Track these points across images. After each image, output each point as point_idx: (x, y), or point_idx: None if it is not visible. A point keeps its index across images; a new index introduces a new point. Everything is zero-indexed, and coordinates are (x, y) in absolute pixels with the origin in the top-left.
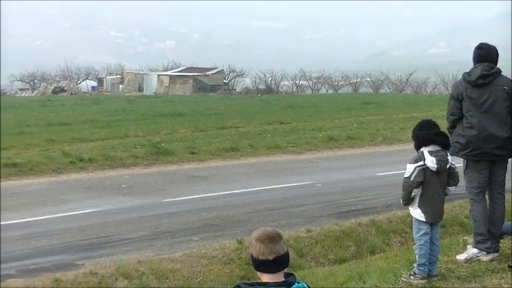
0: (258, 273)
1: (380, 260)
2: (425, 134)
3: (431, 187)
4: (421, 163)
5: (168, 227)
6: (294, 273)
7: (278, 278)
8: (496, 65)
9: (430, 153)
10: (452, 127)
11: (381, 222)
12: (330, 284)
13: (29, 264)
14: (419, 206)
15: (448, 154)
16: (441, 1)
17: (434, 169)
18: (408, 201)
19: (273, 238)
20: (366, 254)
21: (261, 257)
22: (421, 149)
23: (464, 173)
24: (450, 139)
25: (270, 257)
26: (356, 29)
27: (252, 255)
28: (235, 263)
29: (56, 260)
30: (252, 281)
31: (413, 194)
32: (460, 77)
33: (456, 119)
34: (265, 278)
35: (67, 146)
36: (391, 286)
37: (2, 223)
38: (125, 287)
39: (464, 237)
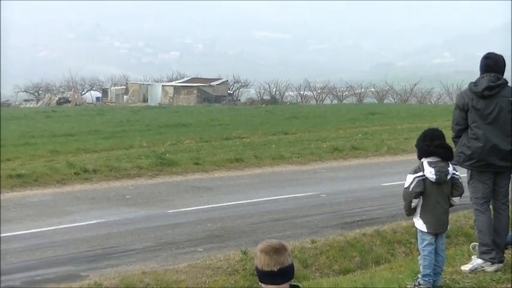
0: (262, 285)
1: (385, 271)
2: (426, 145)
3: (432, 198)
4: (420, 174)
5: (173, 238)
6: (299, 285)
7: None
8: (503, 74)
9: (430, 164)
10: (457, 137)
11: (386, 233)
12: None
13: (34, 275)
14: (421, 217)
15: (450, 165)
16: (446, 11)
17: (433, 180)
18: (410, 211)
19: (277, 250)
20: (370, 265)
21: (265, 268)
22: (422, 160)
23: (468, 183)
24: (455, 149)
25: (275, 268)
26: (361, 39)
27: (256, 267)
28: (239, 274)
29: (60, 271)
30: None
31: (413, 204)
32: (464, 87)
33: (461, 129)
34: None
35: (72, 157)
36: None
37: (7, 234)
38: None
39: (473, 243)
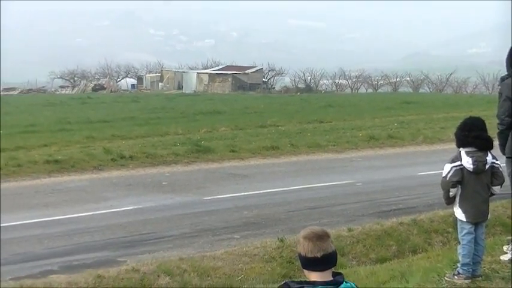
0: (305, 271)
1: (422, 260)
2: (464, 135)
3: (470, 187)
4: (458, 163)
5: (209, 224)
6: (342, 273)
7: (326, 276)
8: None
9: (467, 153)
10: (508, 129)
11: (423, 222)
12: (372, 283)
13: (71, 260)
14: (460, 206)
15: (489, 154)
16: (481, 0)
17: (470, 169)
18: (448, 200)
19: (320, 236)
20: (407, 254)
21: (309, 255)
22: (460, 149)
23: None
24: (509, 142)
25: (318, 255)
26: (396, 28)
27: (299, 254)
28: (276, 261)
29: (98, 256)
30: (300, 280)
31: (451, 193)
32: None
33: None
34: (313, 276)
35: (107, 143)
36: (435, 286)
37: (44, 219)
38: (166, 284)
39: (508, 237)
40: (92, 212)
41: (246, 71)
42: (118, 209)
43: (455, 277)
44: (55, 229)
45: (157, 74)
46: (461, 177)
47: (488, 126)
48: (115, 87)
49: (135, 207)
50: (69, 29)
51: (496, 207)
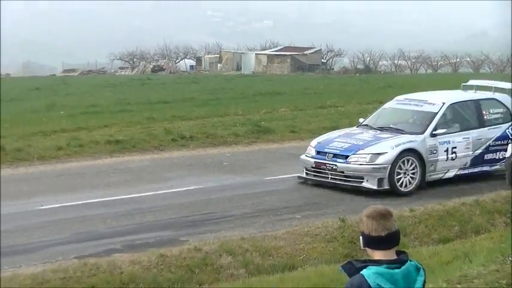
0: (368, 250)
1: (485, 240)
2: None
3: None
4: None
5: (270, 204)
6: (406, 252)
7: (390, 255)
8: None
9: None
10: None
11: (485, 202)
12: (434, 263)
13: (134, 239)
14: None
15: None
16: None
17: None
18: None
19: (384, 215)
20: (470, 234)
21: (373, 234)
22: None
23: None
24: None
25: (383, 233)
26: (456, 8)
27: (363, 232)
28: (338, 241)
29: (160, 235)
30: (364, 259)
31: None
32: None
33: None
34: (377, 255)
35: (168, 124)
36: (499, 266)
37: (107, 199)
38: (228, 264)
39: None
40: (153, 191)
41: (305, 52)
42: (179, 189)
43: None
44: (117, 208)
45: (216, 55)
46: None
47: None
48: (174, 69)
49: (196, 187)
50: (128, 11)
51: None
